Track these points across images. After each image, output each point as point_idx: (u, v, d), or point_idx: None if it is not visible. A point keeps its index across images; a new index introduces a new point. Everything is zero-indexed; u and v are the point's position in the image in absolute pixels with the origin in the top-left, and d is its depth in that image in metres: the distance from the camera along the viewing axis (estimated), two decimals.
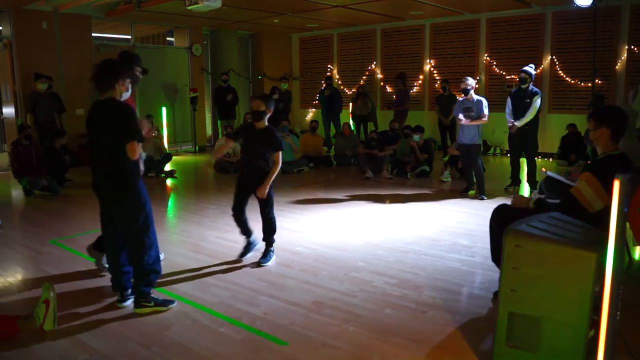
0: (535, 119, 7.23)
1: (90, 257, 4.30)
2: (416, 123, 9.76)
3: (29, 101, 9.06)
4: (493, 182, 8.02)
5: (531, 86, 7.23)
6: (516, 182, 7.59)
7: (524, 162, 7.68)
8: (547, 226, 2.78)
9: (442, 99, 10.85)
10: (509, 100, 7.38)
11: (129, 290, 3.66)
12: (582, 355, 2.53)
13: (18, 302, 3.78)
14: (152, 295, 3.55)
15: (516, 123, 7.16)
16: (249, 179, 4.48)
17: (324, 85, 12.48)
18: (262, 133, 4.50)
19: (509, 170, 7.68)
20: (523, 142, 7.34)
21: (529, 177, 7.47)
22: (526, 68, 7.26)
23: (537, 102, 7.13)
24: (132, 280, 3.62)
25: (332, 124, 11.99)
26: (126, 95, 3.52)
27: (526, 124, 7.18)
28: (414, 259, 4.58)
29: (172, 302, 3.61)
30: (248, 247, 4.68)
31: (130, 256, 3.53)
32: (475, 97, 6.98)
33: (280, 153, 4.43)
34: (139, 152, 3.37)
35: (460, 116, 6.95)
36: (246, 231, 4.65)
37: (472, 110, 6.91)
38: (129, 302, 3.63)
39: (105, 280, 4.01)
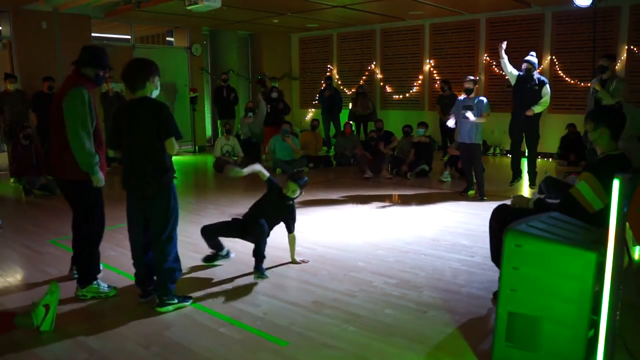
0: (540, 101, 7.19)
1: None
2: (416, 122, 9.77)
3: None
4: (493, 182, 8.02)
5: (537, 74, 7.21)
6: (517, 174, 7.53)
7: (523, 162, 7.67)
8: (547, 226, 2.78)
9: (443, 99, 10.85)
10: (517, 77, 7.27)
11: (152, 287, 3.68)
12: (582, 355, 2.53)
13: (18, 302, 3.77)
14: (173, 294, 3.58)
15: (533, 108, 7.07)
16: (248, 229, 4.33)
17: (323, 85, 12.48)
18: (287, 207, 4.47)
19: (509, 170, 7.67)
20: (525, 129, 7.27)
21: (529, 168, 7.43)
22: (529, 58, 7.26)
23: (548, 90, 7.09)
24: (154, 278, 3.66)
25: (332, 124, 12.00)
26: (156, 93, 3.52)
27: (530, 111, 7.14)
28: (413, 259, 4.58)
29: (190, 298, 3.67)
30: (215, 257, 4.55)
31: (157, 253, 3.53)
32: (477, 97, 6.96)
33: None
34: (176, 149, 3.44)
35: (468, 113, 6.76)
36: (216, 246, 4.53)
37: (473, 109, 6.88)
38: (150, 298, 3.67)
39: (105, 280, 4.00)
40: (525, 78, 7.22)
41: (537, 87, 7.09)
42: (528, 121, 7.18)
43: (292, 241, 4.50)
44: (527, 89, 7.13)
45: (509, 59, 7.29)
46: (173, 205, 3.54)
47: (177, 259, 3.60)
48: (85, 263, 3.84)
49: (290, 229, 4.46)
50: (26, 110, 8.86)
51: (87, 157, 3.60)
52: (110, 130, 3.55)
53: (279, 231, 5.03)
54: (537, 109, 7.09)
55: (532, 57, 7.27)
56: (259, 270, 4.17)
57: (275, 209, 4.43)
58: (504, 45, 7.19)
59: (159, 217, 3.51)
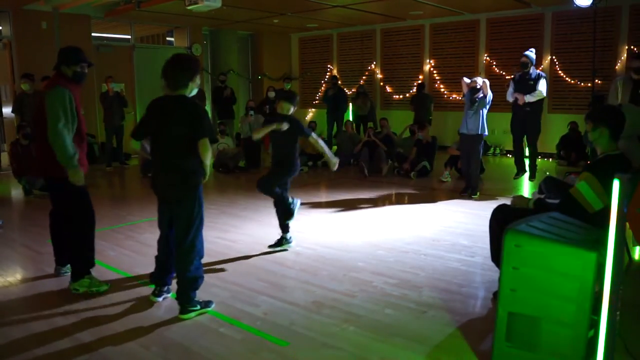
0: (539, 101, 7.16)
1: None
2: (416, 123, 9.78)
3: (15, 102, 8.97)
4: (493, 181, 8.02)
5: (534, 70, 7.19)
6: (521, 169, 7.51)
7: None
8: (546, 226, 2.78)
9: (416, 99, 11.40)
10: (511, 85, 7.27)
11: (167, 287, 3.70)
12: (582, 355, 2.52)
13: (18, 302, 3.78)
14: (196, 299, 3.50)
15: (526, 97, 7.04)
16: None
17: (324, 85, 12.48)
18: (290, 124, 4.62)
19: (509, 170, 7.67)
20: (526, 125, 7.25)
21: (530, 163, 7.42)
22: (527, 52, 7.24)
23: (543, 83, 7.06)
24: (169, 281, 3.70)
25: (335, 124, 11.99)
26: (194, 92, 3.47)
27: (528, 106, 7.09)
28: (413, 259, 4.58)
29: (211, 302, 3.60)
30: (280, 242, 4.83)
31: (179, 259, 3.46)
32: (481, 94, 6.98)
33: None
34: (210, 153, 3.37)
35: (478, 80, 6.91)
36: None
37: (477, 101, 6.90)
38: (161, 299, 3.68)
39: (105, 280, 4.00)
40: (523, 76, 7.20)
41: (532, 82, 7.08)
42: (528, 116, 7.16)
43: (315, 143, 4.72)
44: (524, 85, 7.11)
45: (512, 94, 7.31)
46: (197, 211, 3.44)
47: (199, 266, 3.51)
48: (77, 259, 3.90)
49: (304, 134, 4.65)
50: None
51: (65, 152, 3.65)
52: (138, 121, 3.57)
53: (277, 231, 5.02)
54: (528, 97, 7.05)
55: (530, 53, 7.25)
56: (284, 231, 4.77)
57: (282, 135, 4.61)
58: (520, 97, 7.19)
59: (181, 222, 3.43)
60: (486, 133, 7.03)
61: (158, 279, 3.70)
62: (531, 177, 7.47)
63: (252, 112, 10.46)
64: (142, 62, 12.01)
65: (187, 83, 3.35)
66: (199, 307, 3.48)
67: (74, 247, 3.94)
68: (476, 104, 6.84)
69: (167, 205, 3.51)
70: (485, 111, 6.89)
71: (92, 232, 3.99)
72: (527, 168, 7.61)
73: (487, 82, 6.88)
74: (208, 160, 3.41)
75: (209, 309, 3.53)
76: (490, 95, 6.85)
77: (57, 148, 3.64)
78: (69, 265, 4.21)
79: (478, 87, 6.93)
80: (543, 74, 7.21)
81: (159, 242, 3.67)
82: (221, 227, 5.72)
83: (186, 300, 3.44)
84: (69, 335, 3.21)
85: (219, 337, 3.17)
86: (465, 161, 7.25)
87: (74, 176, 3.72)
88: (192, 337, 3.17)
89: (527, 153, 7.72)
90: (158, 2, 9.10)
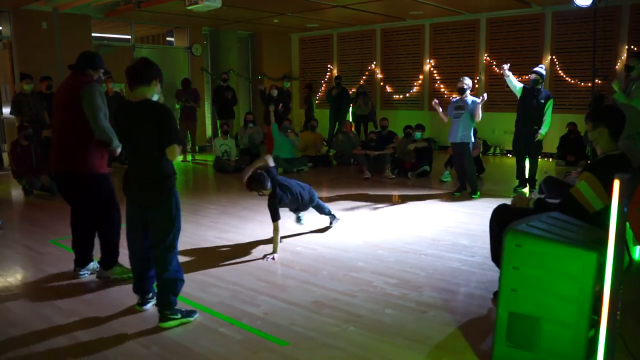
0: (543, 120, 7.22)
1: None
2: (416, 122, 9.77)
3: (13, 103, 8.89)
4: (493, 182, 8.02)
5: (544, 89, 7.22)
6: (523, 183, 7.54)
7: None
8: (547, 226, 2.78)
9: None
10: (522, 89, 7.28)
11: (150, 294, 3.56)
12: (582, 355, 2.52)
13: (19, 301, 3.78)
14: (177, 307, 3.36)
15: (541, 132, 7.14)
16: None
17: (324, 85, 12.45)
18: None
19: (509, 170, 7.69)
20: (529, 143, 7.32)
21: (530, 177, 7.46)
22: (537, 69, 7.21)
23: (551, 107, 7.15)
24: (155, 288, 3.52)
25: (338, 123, 11.98)
26: (156, 98, 3.39)
27: (534, 125, 7.18)
28: (414, 259, 4.58)
29: (195, 312, 3.44)
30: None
31: (157, 262, 3.34)
32: (471, 98, 7.00)
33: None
34: (178, 156, 3.30)
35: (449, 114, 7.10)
36: None
37: (463, 109, 6.94)
38: (149, 306, 3.55)
39: (105, 280, 4.01)
40: (532, 91, 7.20)
41: (542, 101, 7.09)
42: (532, 136, 7.23)
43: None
44: (532, 104, 7.13)
45: (512, 74, 7.32)
46: (175, 213, 3.33)
47: (178, 269, 3.39)
48: (107, 248, 4.08)
49: None
50: (43, 111, 8.79)
51: (112, 136, 3.92)
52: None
53: (280, 231, 5.02)
54: (544, 131, 7.16)
55: (541, 69, 7.21)
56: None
57: None
58: (507, 66, 7.18)
59: (159, 226, 3.32)
60: (472, 141, 7.11)
61: (139, 289, 3.55)
62: (531, 189, 7.50)
63: (251, 125, 10.47)
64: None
65: (149, 81, 3.25)
66: (179, 315, 3.33)
67: (105, 237, 4.10)
68: (461, 111, 6.96)
69: (141, 210, 3.37)
70: (470, 121, 6.97)
71: (119, 221, 4.13)
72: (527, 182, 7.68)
73: (478, 100, 6.93)
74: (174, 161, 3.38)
75: (191, 318, 3.37)
76: (476, 102, 6.93)
77: (105, 135, 3.88)
78: (89, 266, 4.24)
79: (465, 87, 6.96)
80: (550, 94, 7.27)
81: (131, 248, 3.51)
82: (221, 227, 5.72)
83: (165, 306, 3.31)
84: (70, 335, 3.21)
85: (219, 337, 3.17)
86: (458, 167, 7.32)
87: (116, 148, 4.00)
88: (192, 337, 3.17)
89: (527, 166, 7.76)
90: (158, 2, 9.10)
